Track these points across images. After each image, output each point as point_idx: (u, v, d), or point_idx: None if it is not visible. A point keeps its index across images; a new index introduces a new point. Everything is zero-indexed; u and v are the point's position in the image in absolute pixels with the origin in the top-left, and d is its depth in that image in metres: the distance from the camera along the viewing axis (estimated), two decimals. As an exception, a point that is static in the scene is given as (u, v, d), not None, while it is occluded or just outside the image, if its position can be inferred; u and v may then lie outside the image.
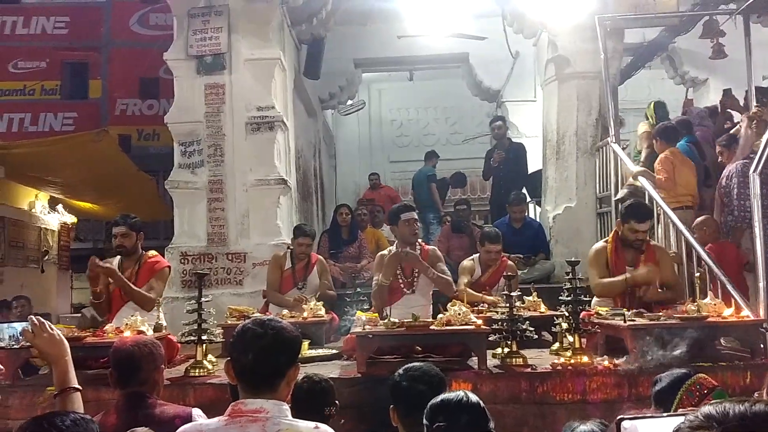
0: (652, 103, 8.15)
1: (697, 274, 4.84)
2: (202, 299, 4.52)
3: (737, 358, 4.33)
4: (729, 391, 3.59)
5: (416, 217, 5.58)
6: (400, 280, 5.47)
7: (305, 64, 8.96)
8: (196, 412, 2.90)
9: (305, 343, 5.01)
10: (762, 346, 4.31)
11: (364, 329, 4.43)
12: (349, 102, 12.33)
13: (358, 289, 6.24)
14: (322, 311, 5.56)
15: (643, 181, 6.18)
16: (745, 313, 4.45)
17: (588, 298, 4.62)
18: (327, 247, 7.94)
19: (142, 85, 14.40)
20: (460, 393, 2.29)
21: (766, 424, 0.91)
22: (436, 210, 9.88)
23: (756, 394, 2.37)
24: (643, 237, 5.08)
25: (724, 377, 3.98)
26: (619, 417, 1.39)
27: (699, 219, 6.12)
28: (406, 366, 2.78)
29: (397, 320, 4.50)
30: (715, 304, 4.42)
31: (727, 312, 4.39)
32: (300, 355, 4.74)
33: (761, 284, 4.55)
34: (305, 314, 5.45)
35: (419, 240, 5.69)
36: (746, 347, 4.42)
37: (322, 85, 10.21)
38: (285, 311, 5.54)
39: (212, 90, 7.04)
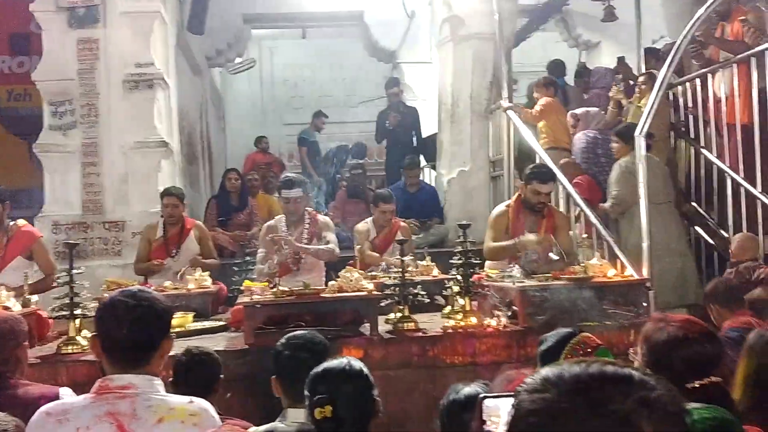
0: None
1: (585, 235, 5.05)
2: (75, 271, 4.34)
3: (621, 318, 4.56)
4: (613, 350, 3.73)
5: (297, 194, 5.49)
6: (288, 259, 5.43)
7: (189, 19, 8.63)
8: (64, 391, 2.78)
9: (189, 316, 4.92)
10: (645, 304, 4.55)
11: (251, 299, 4.38)
12: (238, 60, 12.03)
13: (248, 258, 6.14)
14: (208, 281, 5.44)
15: (511, 115, 6.70)
16: (630, 272, 4.68)
17: (479, 261, 4.72)
18: (215, 213, 7.77)
19: (12, 41, 13.50)
20: (344, 360, 2.30)
21: (601, 384, 0.91)
22: (308, 176, 9.82)
23: (631, 350, 2.48)
24: (545, 200, 5.23)
25: (609, 336, 4.14)
26: (481, 395, 1.41)
27: (562, 161, 6.66)
28: (289, 334, 2.76)
29: (286, 288, 4.47)
30: (601, 265, 4.61)
31: (612, 272, 4.60)
32: (184, 328, 4.68)
33: (644, 244, 4.80)
34: (190, 285, 5.33)
35: (309, 209, 5.65)
36: (630, 306, 4.66)
37: (208, 41, 9.88)
38: (168, 282, 5.39)
39: (85, 45, 6.69)
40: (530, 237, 5.07)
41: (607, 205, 6.02)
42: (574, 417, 0.89)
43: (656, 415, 0.89)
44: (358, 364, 2.30)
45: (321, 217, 5.72)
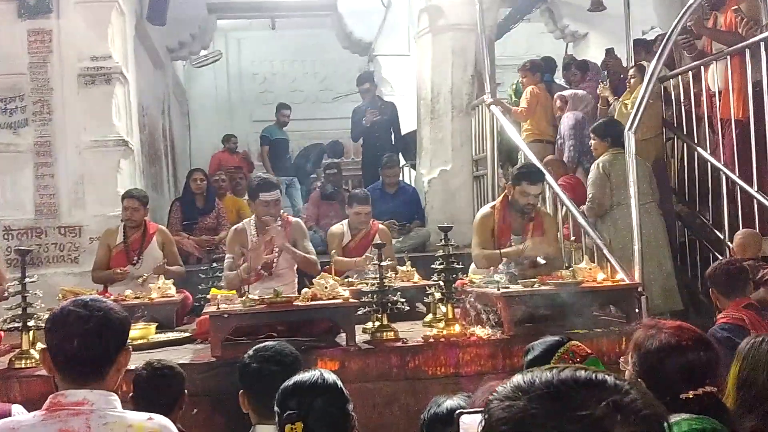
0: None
1: (573, 238, 5.07)
2: (28, 279, 4.28)
3: (612, 324, 4.59)
4: (604, 359, 3.78)
5: (276, 196, 5.44)
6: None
7: (149, 8, 8.55)
8: (17, 408, 2.74)
9: (152, 327, 4.88)
10: (637, 310, 4.58)
11: (218, 308, 4.35)
12: (203, 52, 11.96)
13: (215, 265, 6.09)
14: (172, 290, 5.42)
15: (494, 110, 6.76)
16: (620, 276, 4.71)
17: (462, 266, 4.72)
18: (180, 217, 7.72)
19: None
20: (315, 373, 2.28)
21: (572, 389, 0.93)
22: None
23: (622, 359, 2.49)
24: (534, 201, 5.25)
25: (599, 344, 4.18)
26: (458, 412, 1.41)
27: (546, 158, 6.74)
28: (258, 346, 2.74)
29: (256, 297, 4.45)
30: (590, 269, 4.64)
31: (601, 277, 4.64)
32: (146, 340, 4.63)
33: (636, 246, 4.83)
34: (153, 294, 5.29)
35: (282, 211, 5.62)
36: (622, 312, 4.70)
37: (170, 32, 9.80)
38: (128, 291, 5.35)
39: (37, 37, 6.65)
40: (516, 249, 5.09)
41: (583, 207, 6.07)
42: (545, 423, 0.91)
43: (629, 420, 0.91)
44: (331, 377, 2.29)
45: (294, 220, 5.69)
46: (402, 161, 9.45)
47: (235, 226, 5.66)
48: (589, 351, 2.84)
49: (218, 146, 10.73)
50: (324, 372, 2.31)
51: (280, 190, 5.57)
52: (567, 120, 7.20)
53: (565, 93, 7.52)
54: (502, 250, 5.12)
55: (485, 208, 5.51)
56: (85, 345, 2.04)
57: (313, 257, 5.45)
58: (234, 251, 5.39)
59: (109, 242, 5.98)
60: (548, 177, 5.80)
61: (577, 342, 2.84)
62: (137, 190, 6.25)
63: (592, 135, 6.35)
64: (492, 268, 4.99)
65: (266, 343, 2.81)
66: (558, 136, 7.38)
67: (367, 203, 6.15)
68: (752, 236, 5.02)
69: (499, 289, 4.42)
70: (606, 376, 0.96)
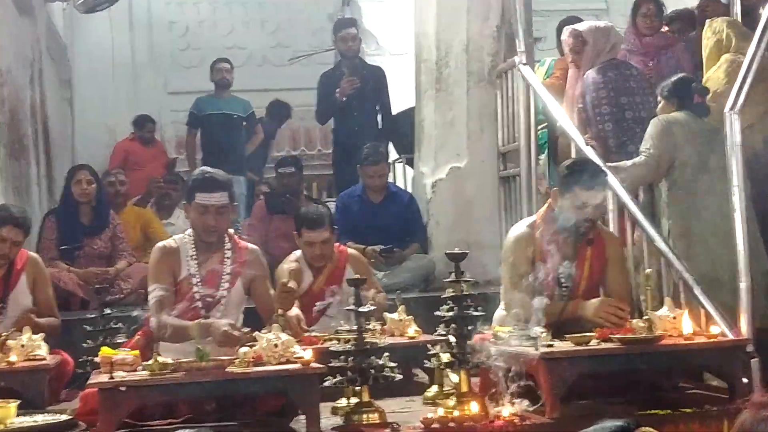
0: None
1: (647, 271, 5.06)
2: None
3: (709, 401, 4.58)
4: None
5: (223, 200, 5.38)
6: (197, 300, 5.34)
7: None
8: None
9: (12, 406, 4.82)
10: (745, 380, 4.58)
11: (112, 377, 4.32)
12: (94, -11, 11.95)
13: (108, 311, 6.05)
14: (43, 350, 5.37)
15: (528, 75, 6.97)
16: (717, 330, 4.70)
17: (483, 312, 4.70)
18: (55, 238, 7.67)
19: None
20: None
21: None
22: None
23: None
24: (593, 215, 5.24)
25: (687, 430, 4.19)
26: None
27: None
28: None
29: (169, 360, 4.43)
30: (674, 318, 4.64)
31: (690, 329, 4.62)
32: (3, 426, 4.60)
33: (742, 285, 4.84)
34: (12, 356, 5.24)
35: (230, 230, 5.63)
36: (722, 382, 4.69)
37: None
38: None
39: None
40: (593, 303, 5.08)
41: (628, 163, 6.09)
42: None
43: None
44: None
45: (251, 248, 5.65)
46: (393, 154, 9.46)
47: (162, 243, 5.62)
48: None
49: (115, 131, 10.71)
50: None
51: (231, 192, 5.54)
52: (590, 80, 7.05)
53: (580, 27, 7.36)
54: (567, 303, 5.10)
55: (520, 226, 5.50)
56: None
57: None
58: (162, 280, 5.36)
59: None
60: (612, 179, 5.81)
61: (651, 430, 2.84)
62: (21, 213, 6.23)
63: (659, 96, 6.52)
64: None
65: (185, 431, 2.80)
66: (578, 102, 7.17)
67: (322, 226, 6.18)
68: None
69: (538, 349, 4.41)
70: None
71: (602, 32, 7.20)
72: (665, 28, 7.85)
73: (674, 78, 6.51)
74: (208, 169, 5.86)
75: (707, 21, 6.99)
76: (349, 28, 9.53)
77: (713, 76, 6.60)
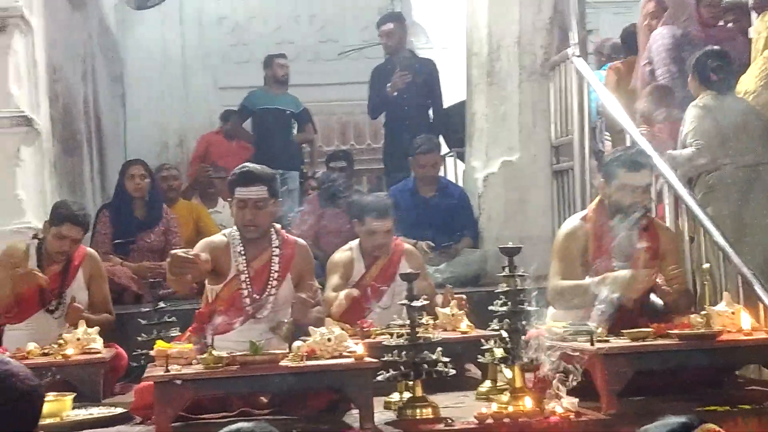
0: None
1: (706, 266, 5.02)
2: None
3: None
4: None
5: (261, 194, 5.33)
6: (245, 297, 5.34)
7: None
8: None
9: (68, 399, 4.87)
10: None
11: (167, 371, 4.35)
12: (146, -14, 12.01)
13: (162, 304, 6.10)
14: (98, 343, 5.43)
15: (581, 67, 7.00)
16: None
17: (537, 307, 4.68)
18: (109, 233, 7.73)
19: None
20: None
21: None
22: None
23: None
24: (643, 200, 5.22)
25: (748, 427, 4.15)
26: None
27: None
28: (230, 427, 2.72)
29: (225, 353, 4.44)
30: (732, 313, 4.60)
31: (750, 324, 4.58)
32: (59, 418, 4.65)
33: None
34: (68, 350, 5.30)
35: (277, 224, 5.59)
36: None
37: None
38: (32, 345, 5.39)
39: None
40: (622, 273, 4.99)
41: (686, 152, 6.04)
42: None
43: None
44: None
45: (299, 242, 5.64)
46: (444, 148, 9.44)
47: (210, 238, 5.66)
48: (733, 439, 2.82)
49: (167, 128, 10.74)
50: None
51: (272, 187, 5.46)
52: (660, 37, 7.14)
53: None
54: (594, 279, 5.03)
55: (572, 220, 5.51)
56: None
57: (321, 314, 5.31)
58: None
59: (14, 271, 5.93)
60: (659, 160, 5.77)
61: (714, 426, 2.81)
62: (82, 212, 6.22)
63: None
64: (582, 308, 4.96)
65: (241, 425, 2.80)
66: (644, 60, 7.31)
67: (386, 216, 6.14)
68: None
69: (593, 344, 4.39)
70: None
71: (681, 2, 7.31)
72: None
73: (698, 53, 6.56)
74: (248, 164, 5.86)
75: (761, 14, 6.91)
76: (387, 24, 9.49)
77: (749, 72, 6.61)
